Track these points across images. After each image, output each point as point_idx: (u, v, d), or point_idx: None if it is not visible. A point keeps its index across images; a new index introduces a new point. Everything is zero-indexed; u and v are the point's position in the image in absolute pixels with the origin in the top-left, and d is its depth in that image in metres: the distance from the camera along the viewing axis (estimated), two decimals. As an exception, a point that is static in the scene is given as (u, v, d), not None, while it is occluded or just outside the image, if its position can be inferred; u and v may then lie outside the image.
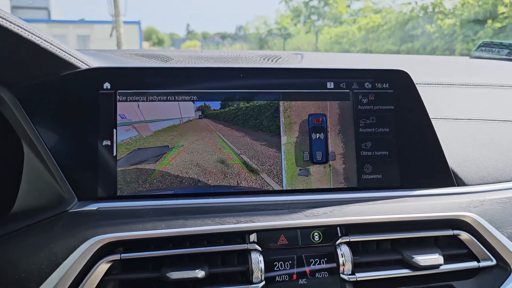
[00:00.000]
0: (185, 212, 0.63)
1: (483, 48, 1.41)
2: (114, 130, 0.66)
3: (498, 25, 8.42)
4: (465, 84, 0.98)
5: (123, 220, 0.61)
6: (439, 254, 0.64)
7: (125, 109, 0.67)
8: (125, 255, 0.58)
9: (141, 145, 0.67)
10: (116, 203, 0.64)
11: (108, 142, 0.66)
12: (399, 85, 0.74)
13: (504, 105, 0.93)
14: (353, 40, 13.93)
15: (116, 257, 0.58)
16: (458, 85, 0.97)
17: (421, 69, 1.08)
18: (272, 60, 0.99)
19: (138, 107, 0.68)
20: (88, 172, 0.65)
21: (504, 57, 1.33)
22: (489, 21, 8.68)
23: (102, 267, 0.57)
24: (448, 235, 0.67)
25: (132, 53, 1.05)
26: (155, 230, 0.59)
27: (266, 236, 0.62)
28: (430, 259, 0.63)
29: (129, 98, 0.67)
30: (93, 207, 0.63)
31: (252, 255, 0.61)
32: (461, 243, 0.67)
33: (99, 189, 0.65)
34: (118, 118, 0.67)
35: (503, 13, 8.40)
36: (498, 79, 1.02)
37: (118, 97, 0.67)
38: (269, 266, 0.61)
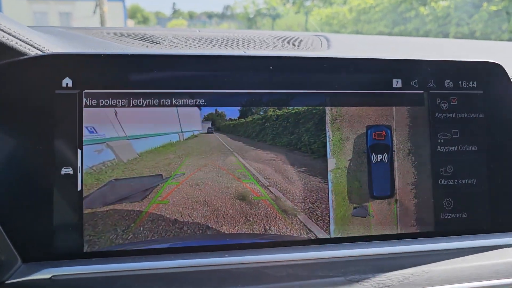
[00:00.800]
0: (189, 282, 0.41)
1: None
2: (79, 151, 0.43)
3: (493, 8, 8.26)
4: None
5: (91, 298, 0.38)
6: None
7: (96, 119, 0.44)
8: None
9: (120, 174, 0.44)
10: (82, 266, 0.42)
11: (69, 170, 0.43)
12: (491, 84, 0.52)
13: None
14: (344, 21, 13.68)
15: None
16: None
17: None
18: (294, 44, 0.76)
19: (116, 115, 0.44)
20: (38, 217, 0.42)
21: None
22: (485, 4, 8.50)
23: None
24: None
25: (110, 32, 0.80)
26: None
27: None
28: None
29: (101, 102, 0.44)
30: (45, 273, 0.40)
31: None
32: None
33: (56, 243, 0.42)
34: (85, 132, 0.44)
35: (498, -5, 8.21)
36: None
37: (84, 100, 0.44)
38: None
